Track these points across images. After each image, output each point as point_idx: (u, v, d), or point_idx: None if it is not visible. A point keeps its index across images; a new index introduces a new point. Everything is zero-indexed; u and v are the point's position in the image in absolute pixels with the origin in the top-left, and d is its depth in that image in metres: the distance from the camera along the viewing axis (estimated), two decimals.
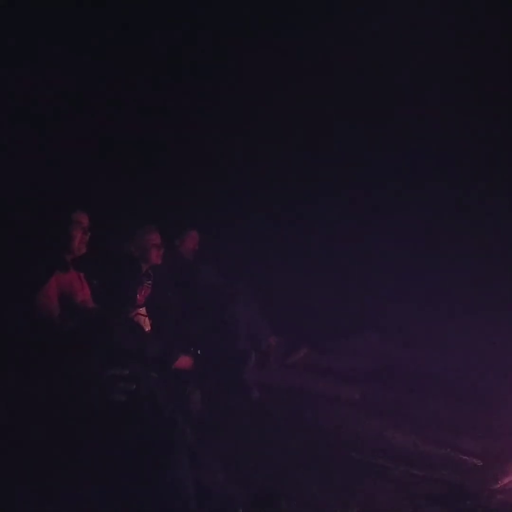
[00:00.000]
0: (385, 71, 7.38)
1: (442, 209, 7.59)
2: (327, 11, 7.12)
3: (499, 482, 3.86)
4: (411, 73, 7.37)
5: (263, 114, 7.60)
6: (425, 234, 7.60)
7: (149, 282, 4.86)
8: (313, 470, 3.92)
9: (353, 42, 7.15)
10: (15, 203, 5.04)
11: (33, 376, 3.19)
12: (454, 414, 4.95)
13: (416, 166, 7.50)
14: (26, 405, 3.09)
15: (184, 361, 4.66)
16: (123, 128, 6.82)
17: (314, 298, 7.23)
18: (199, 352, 4.81)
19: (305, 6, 7.18)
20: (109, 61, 6.74)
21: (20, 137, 5.86)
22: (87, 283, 4.18)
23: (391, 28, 7.01)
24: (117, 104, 6.85)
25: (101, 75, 6.71)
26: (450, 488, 3.76)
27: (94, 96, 6.69)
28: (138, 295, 4.48)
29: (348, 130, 7.65)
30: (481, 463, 4.13)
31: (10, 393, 3.14)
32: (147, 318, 4.70)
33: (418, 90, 7.40)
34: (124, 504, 2.77)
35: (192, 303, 5.67)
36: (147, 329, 4.53)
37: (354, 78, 7.48)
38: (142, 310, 4.64)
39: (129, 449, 2.90)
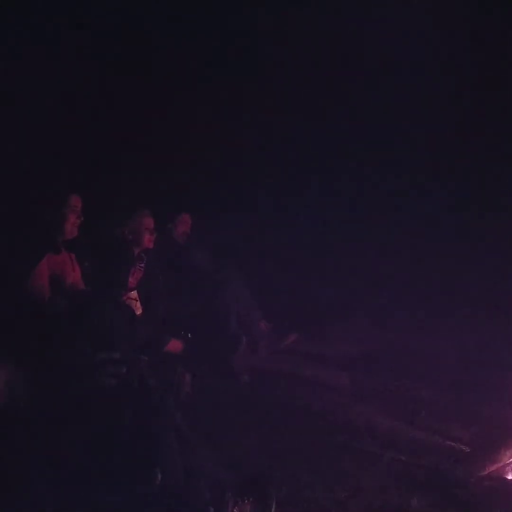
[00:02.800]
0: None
1: (433, 198, 7.62)
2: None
3: (487, 469, 3.88)
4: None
5: (257, 100, 7.59)
6: (416, 220, 7.62)
7: (141, 265, 4.86)
8: (301, 455, 3.93)
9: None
10: (10, 185, 5.04)
11: (22, 357, 3.18)
12: (443, 400, 4.97)
13: (410, 161, 7.55)
14: (16, 386, 3.08)
15: (174, 345, 4.66)
16: (117, 113, 6.79)
17: (304, 284, 7.24)
18: (189, 336, 4.81)
19: None
20: (104, 55, 6.75)
21: (17, 122, 5.84)
22: (79, 265, 4.17)
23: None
24: (111, 91, 6.83)
25: (96, 65, 6.70)
26: (437, 474, 3.78)
27: (89, 83, 6.67)
28: (130, 279, 4.47)
29: (346, 121, 7.66)
30: (469, 450, 4.14)
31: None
32: (138, 301, 4.69)
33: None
34: (113, 487, 2.78)
35: (183, 287, 5.67)
36: (138, 313, 4.53)
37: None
38: (134, 294, 4.63)
39: (118, 432, 2.90)
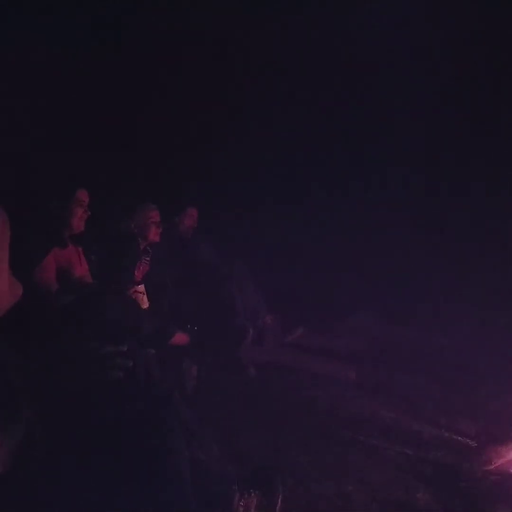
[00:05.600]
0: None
1: (436, 192, 7.64)
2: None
3: (493, 463, 3.88)
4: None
5: (260, 97, 7.60)
6: (419, 214, 7.64)
7: (147, 259, 4.86)
8: (307, 449, 3.94)
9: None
10: (17, 180, 5.05)
11: (30, 351, 3.19)
12: (450, 394, 4.97)
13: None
14: (23, 380, 3.09)
15: (180, 338, 4.66)
16: (123, 107, 6.80)
17: (310, 278, 7.24)
18: (195, 329, 4.82)
19: None
20: (110, 53, 6.76)
21: (24, 117, 5.86)
22: (86, 259, 4.18)
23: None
24: (118, 86, 6.84)
25: (102, 63, 6.71)
26: (444, 468, 3.78)
27: (96, 78, 6.69)
28: (136, 272, 4.47)
29: (347, 120, 7.68)
30: (476, 444, 4.14)
31: (7, 367, 3.14)
32: (145, 296, 4.69)
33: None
34: (118, 480, 2.78)
35: (190, 280, 5.67)
36: (144, 307, 4.53)
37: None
38: (140, 288, 4.63)
39: (124, 425, 2.90)
